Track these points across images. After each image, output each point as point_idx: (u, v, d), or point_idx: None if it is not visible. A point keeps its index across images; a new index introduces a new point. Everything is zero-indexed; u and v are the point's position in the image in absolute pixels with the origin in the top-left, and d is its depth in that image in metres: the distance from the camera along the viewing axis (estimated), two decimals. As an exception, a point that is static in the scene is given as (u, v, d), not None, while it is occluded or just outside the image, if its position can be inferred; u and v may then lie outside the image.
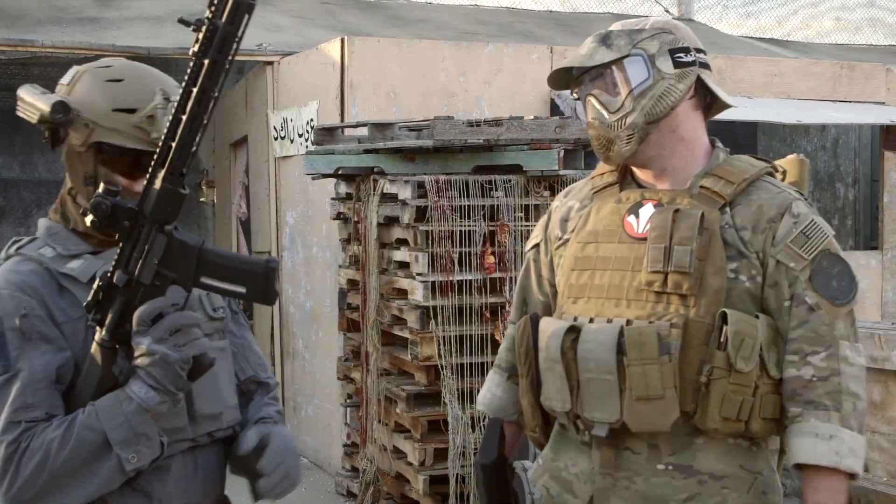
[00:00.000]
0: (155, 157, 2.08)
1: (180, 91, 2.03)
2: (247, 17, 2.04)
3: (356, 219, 6.43)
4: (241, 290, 2.17)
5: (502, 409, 2.75)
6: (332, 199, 6.80)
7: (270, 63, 8.88)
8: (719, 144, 2.59)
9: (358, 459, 6.65)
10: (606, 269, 2.48)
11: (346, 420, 6.89)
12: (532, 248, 2.73)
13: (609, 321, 2.43)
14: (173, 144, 2.04)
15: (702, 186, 2.46)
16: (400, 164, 6.02)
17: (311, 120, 7.88)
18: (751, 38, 13.40)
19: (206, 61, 2.00)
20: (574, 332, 2.45)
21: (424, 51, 7.80)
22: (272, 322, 8.96)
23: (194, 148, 2.06)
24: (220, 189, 11.06)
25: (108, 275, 2.13)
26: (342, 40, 7.70)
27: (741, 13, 14.82)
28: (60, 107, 2.24)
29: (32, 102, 2.28)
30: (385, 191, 6.00)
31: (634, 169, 2.57)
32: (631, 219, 2.48)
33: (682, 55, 2.47)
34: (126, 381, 2.13)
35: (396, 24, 10.91)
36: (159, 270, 2.11)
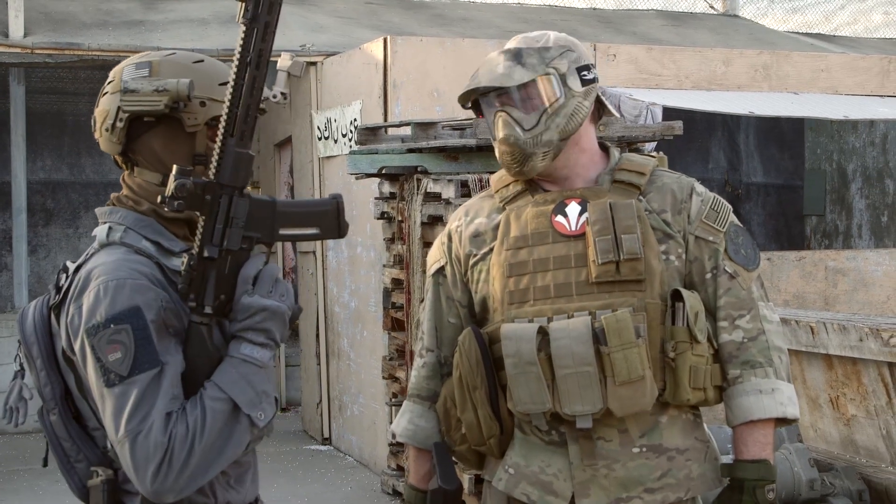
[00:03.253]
0: (223, 124, 2.15)
1: (236, 60, 2.12)
2: None
3: (400, 218, 6.44)
4: (315, 230, 2.27)
5: (427, 438, 2.78)
6: (376, 198, 6.82)
7: (314, 63, 8.91)
8: (610, 144, 2.74)
9: (404, 458, 6.66)
10: (547, 269, 2.57)
11: (392, 419, 6.90)
12: (435, 272, 2.79)
13: (570, 317, 2.52)
14: (238, 111, 2.13)
15: (616, 180, 2.62)
16: (443, 164, 6.02)
17: (355, 120, 7.90)
18: (797, 33, 13.28)
19: (258, 26, 2.09)
20: (541, 332, 2.53)
21: (467, 50, 7.80)
22: (317, 321, 9.00)
23: (257, 111, 2.15)
24: (264, 189, 11.11)
25: (196, 254, 2.18)
26: (385, 40, 7.71)
27: (787, 8, 14.70)
28: (191, 85, 2.28)
29: (155, 89, 2.29)
30: (428, 190, 6.00)
31: (536, 177, 2.67)
32: (560, 218, 2.59)
33: (586, 73, 2.62)
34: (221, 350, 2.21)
35: (439, 23, 10.92)
36: (245, 233, 2.19)
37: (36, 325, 2.29)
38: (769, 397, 2.54)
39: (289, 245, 10.61)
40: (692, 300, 2.53)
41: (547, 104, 2.56)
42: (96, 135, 2.39)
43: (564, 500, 2.57)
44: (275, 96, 2.32)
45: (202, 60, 2.38)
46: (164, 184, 2.29)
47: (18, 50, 8.89)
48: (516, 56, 2.58)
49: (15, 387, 2.32)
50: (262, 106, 2.29)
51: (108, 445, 2.26)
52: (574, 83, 2.58)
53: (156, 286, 2.22)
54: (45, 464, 2.37)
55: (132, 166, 2.36)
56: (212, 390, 2.16)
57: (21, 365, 2.32)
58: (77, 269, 2.28)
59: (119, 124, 2.31)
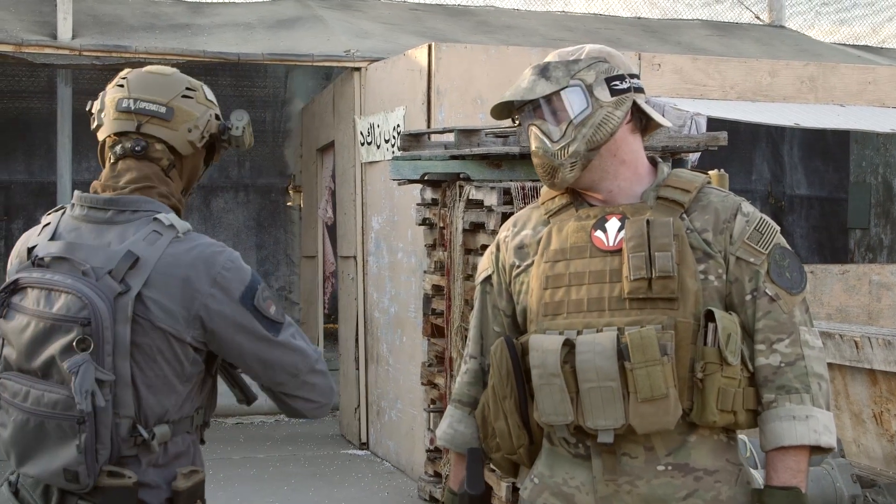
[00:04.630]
0: None
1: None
2: None
3: (441, 224, 6.44)
4: None
5: (465, 443, 2.81)
6: (418, 204, 6.82)
7: (358, 69, 8.94)
8: (660, 160, 2.71)
9: (441, 465, 6.66)
10: (582, 283, 2.57)
11: (430, 425, 6.89)
12: (483, 280, 2.82)
13: (598, 331, 2.53)
14: None
15: (660, 197, 2.61)
16: (486, 171, 6.02)
17: (398, 125, 7.91)
18: (844, 45, 13.17)
19: None
20: (567, 345, 2.53)
21: (511, 57, 7.80)
22: (356, 326, 9.01)
23: None
24: (306, 194, 11.16)
25: None
26: (430, 46, 7.72)
27: (834, 20, 14.58)
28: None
29: (237, 128, 2.65)
30: (471, 197, 6.00)
31: (580, 191, 2.68)
32: (599, 233, 2.59)
33: (617, 83, 2.60)
34: None
35: (484, 30, 10.92)
36: None
37: (108, 311, 2.33)
38: (803, 424, 2.50)
39: (329, 249, 10.64)
40: (725, 321, 2.49)
41: (572, 115, 2.57)
42: (161, 124, 2.53)
43: None
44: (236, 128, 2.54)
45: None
46: (184, 193, 2.62)
47: (66, 52, 8.98)
48: (543, 70, 2.61)
49: (89, 370, 2.30)
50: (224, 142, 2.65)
51: (137, 430, 2.36)
52: (602, 93, 2.58)
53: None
54: (60, 448, 2.38)
55: (171, 166, 2.56)
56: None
57: (90, 347, 2.32)
58: (156, 258, 2.40)
59: (206, 136, 2.59)
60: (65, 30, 9.05)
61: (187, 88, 2.56)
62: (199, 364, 2.45)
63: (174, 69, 2.63)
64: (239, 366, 2.52)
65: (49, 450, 2.35)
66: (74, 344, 2.31)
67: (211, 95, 2.64)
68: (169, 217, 2.43)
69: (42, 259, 2.42)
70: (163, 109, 2.51)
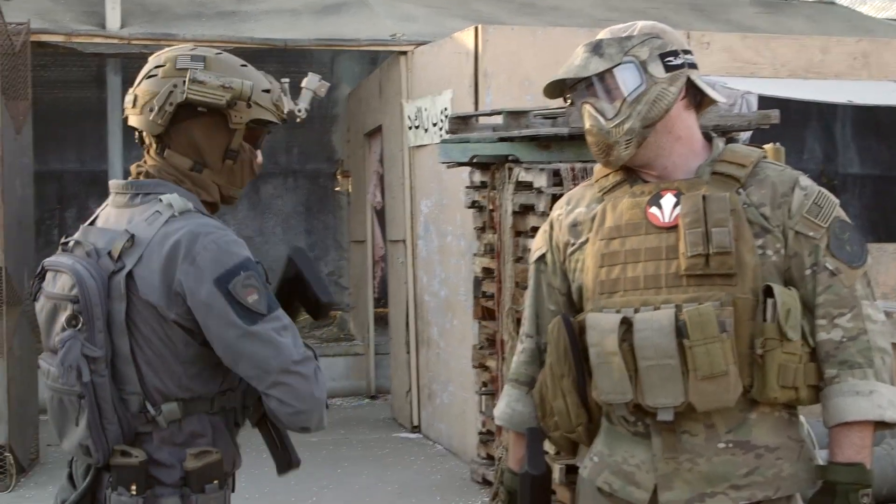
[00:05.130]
0: None
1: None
2: None
3: (491, 207, 6.43)
4: None
5: (523, 422, 2.81)
6: (467, 187, 6.81)
7: (404, 53, 8.93)
8: (714, 135, 2.69)
9: (493, 447, 6.66)
10: (638, 260, 2.56)
11: (482, 408, 6.90)
12: (537, 259, 2.80)
13: (656, 309, 2.51)
14: None
15: (715, 172, 2.58)
16: (535, 152, 6.00)
17: (446, 109, 7.90)
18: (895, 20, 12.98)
19: None
20: (625, 323, 2.52)
21: (558, 38, 7.75)
22: (407, 310, 9.03)
23: None
24: (355, 178, 11.18)
25: None
26: (476, 29, 7.70)
27: (886, -5, 14.36)
28: (251, 87, 2.47)
29: (221, 84, 2.46)
30: (520, 179, 5.98)
31: (635, 167, 2.66)
32: (654, 210, 2.57)
33: (671, 59, 2.58)
34: None
35: (529, 11, 10.87)
36: None
37: (99, 288, 2.38)
38: (866, 399, 2.48)
39: (378, 234, 10.66)
40: (785, 297, 2.47)
41: (626, 93, 2.55)
42: (132, 112, 2.51)
43: (646, 491, 2.56)
44: (298, 111, 2.46)
45: (246, 65, 2.56)
46: (193, 169, 2.50)
47: (115, 41, 9.05)
48: (595, 48, 2.59)
49: (74, 345, 2.37)
50: (285, 117, 2.56)
51: (146, 407, 2.40)
52: (656, 70, 2.55)
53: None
54: (76, 423, 2.43)
55: (163, 148, 2.51)
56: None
57: (79, 324, 2.38)
58: (150, 237, 2.40)
59: (168, 108, 2.46)
60: (113, 19, 9.12)
61: (155, 66, 2.51)
62: (193, 346, 2.42)
63: (176, 51, 2.54)
64: (216, 351, 2.42)
65: (70, 425, 2.43)
66: (65, 321, 2.40)
67: (196, 63, 2.47)
68: (170, 197, 2.44)
69: (66, 244, 2.51)
70: (131, 98, 2.53)
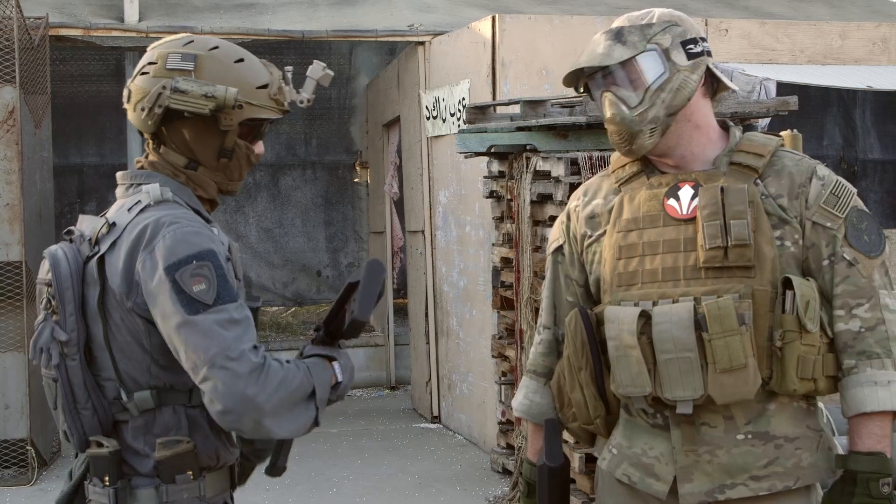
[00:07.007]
0: None
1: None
2: None
3: (509, 197, 6.43)
4: None
5: (541, 413, 2.80)
6: (485, 177, 6.81)
7: (422, 43, 8.93)
8: (731, 123, 2.67)
9: (513, 437, 6.67)
10: (656, 253, 2.55)
11: (501, 398, 6.90)
12: (554, 250, 2.79)
13: (674, 302, 2.50)
14: None
15: (733, 163, 2.57)
16: (553, 142, 5.98)
17: (463, 99, 7.89)
18: (917, 4, 12.89)
19: None
20: (643, 316, 2.51)
21: (576, 27, 7.74)
22: (426, 300, 9.04)
23: None
24: (373, 169, 11.19)
25: None
26: (493, 18, 7.69)
27: (905, -21, 14.26)
28: (235, 95, 2.43)
29: (204, 94, 2.42)
30: (538, 168, 5.98)
31: (653, 158, 2.64)
32: (672, 202, 2.56)
33: (692, 46, 2.57)
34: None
35: (546, 0, 10.85)
36: None
37: (72, 272, 2.40)
38: (885, 389, 2.47)
39: (397, 224, 10.66)
40: (804, 288, 2.46)
41: (650, 80, 2.53)
42: (128, 107, 2.51)
43: (665, 483, 2.56)
44: (301, 101, 2.41)
45: (243, 60, 2.50)
46: (188, 167, 2.49)
47: (134, 34, 9.08)
48: (617, 35, 2.56)
49: (45, 329, 2.40)
50: (287, 108, 2.51)
51: (122, 395, 2.39)
52: (678, 57, 2.54)
53: (219, 243, 2.39)
54: (55, 407, 2.46)
55: (159, 144, 2.51)
56: (300, 369, 2.33)
57: (51, 308, 2.41)
58: (125, 224, 2.40)
59: (157, 110, 2.44)
60: (131, 12, 9.14)
61: (149, 63, 2.49)
62: (156, 335, 2.36)
63: (168, 47, 2.51)
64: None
65: (54, 411, 2.47)
66: (43, 305, 2.44)
67: (186, 63, 2.44)
68: (150, 187, 2.44)
69: (69, 233, 2.54)
70: (126, 92, 2.53)
